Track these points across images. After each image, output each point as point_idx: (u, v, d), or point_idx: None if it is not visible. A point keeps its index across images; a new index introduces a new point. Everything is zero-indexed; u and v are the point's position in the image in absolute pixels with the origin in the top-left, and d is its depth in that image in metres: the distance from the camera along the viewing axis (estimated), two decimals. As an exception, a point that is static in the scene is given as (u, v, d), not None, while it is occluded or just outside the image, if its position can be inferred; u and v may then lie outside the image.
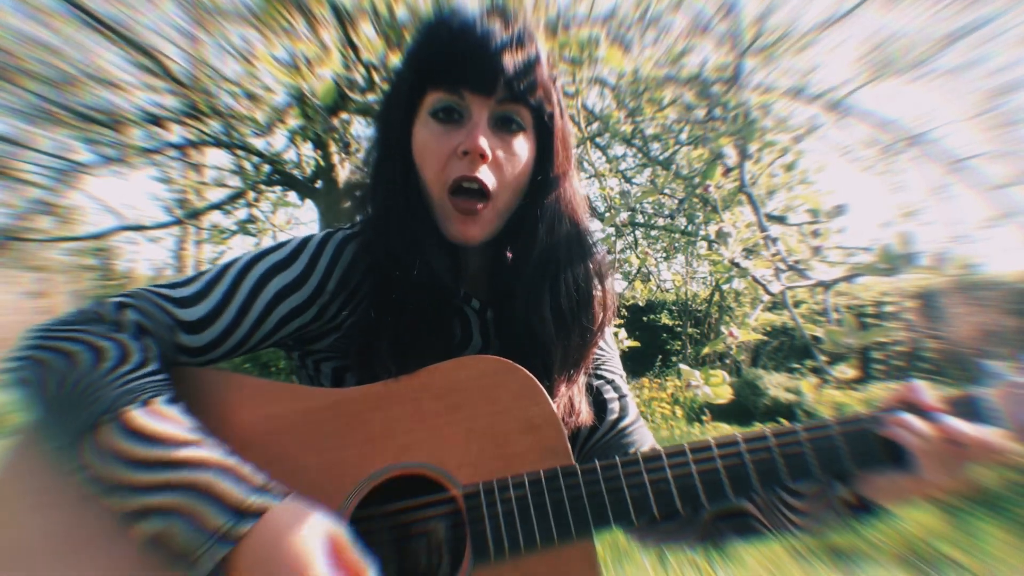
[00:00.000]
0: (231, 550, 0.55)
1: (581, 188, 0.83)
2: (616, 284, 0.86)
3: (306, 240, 0.75)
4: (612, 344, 0.94)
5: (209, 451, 0.59)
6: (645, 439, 0.87)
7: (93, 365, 0.60)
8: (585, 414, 0.81)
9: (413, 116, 0.73)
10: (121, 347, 0.63)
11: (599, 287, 0.81)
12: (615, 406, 0.87)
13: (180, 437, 0.59)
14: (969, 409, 0.65)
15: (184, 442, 0.59)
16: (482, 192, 0.71)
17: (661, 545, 0.86)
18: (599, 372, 0.89)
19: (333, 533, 0.58)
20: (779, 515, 0.74)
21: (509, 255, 0.80)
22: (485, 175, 0.70)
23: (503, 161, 0.71)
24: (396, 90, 0.76)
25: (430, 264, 0.72)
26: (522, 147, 0.73)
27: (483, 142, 0.68)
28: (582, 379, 0.82)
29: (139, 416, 0.58)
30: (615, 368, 0.91)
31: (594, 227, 0.86)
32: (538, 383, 0.68)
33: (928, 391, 0.67)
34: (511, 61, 0.69)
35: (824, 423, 0.66)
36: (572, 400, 0.79)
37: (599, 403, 0.87)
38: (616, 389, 0.89)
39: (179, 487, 0.56)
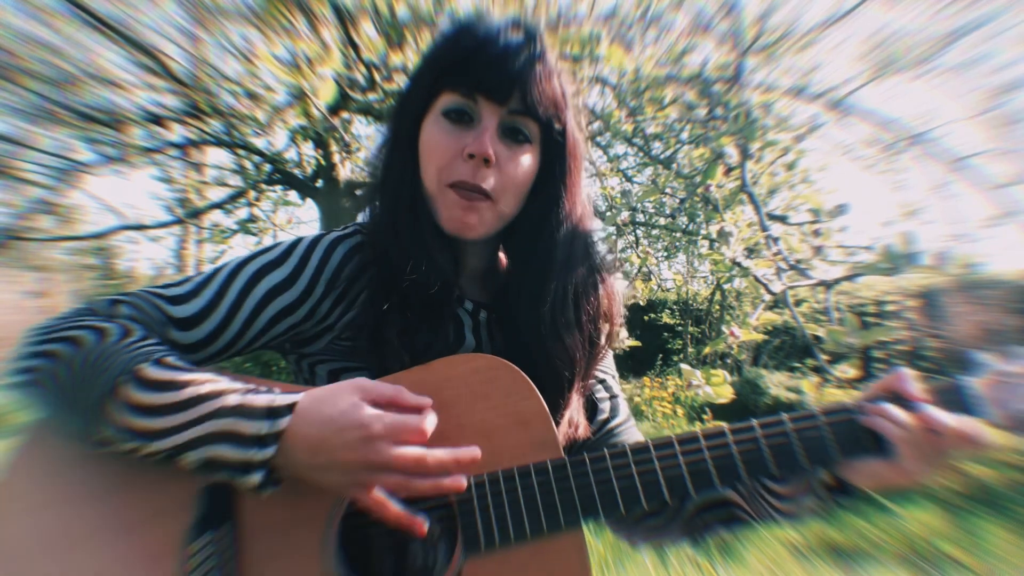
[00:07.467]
0: (279, 447, 0.58)
1: (590, 203, 0.83)
2: (619, 285, 0.86)
3: (297, 241, 0.76)
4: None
5: (227, 382, 0.62)
6: (633, 439, 0.87)
7: (99, 342, 0.62)
8: (583, 428, 0.81)
9: (425, 114, 0.74)
10: (122, 326, 0.65)
11: (605, 299, 0.82)
12: (605, 406, 0.88)
13: (196, 378, 0.62)
14: (955, 398, 0.66)
15: (201, 381, 0.61)
16: (483, 193, 0.72)
17: (648, 542, 0.86)
18: None
19: (358, 384, 0.61)
20: (763, 503, 0.75)
21: (505, 259, 0.81)
22: (486, 181, 0.71)
23: (506, 166, 0.73)
24: (412, 88, 0.78)
25: (434, 261, 0.73)
26: (526, 158, 0.74)
27: (490, 147, 0.70)
28: (581, 395, 0.82)
29: (153, 371, 0.61)
30: (607, 368, 0.91)
31: (596, 226, 0.86)
32: (527, 379, 0.69)
33: (914, 380, 0.67)
34: (527, 74, 0.70)
35: (810, 413, 0.67)
36: (571, 416, 0.79)
37: (590, 403, 0.87)
38: (607, 389, 0.90)
39: (209, 416, 0.59)
